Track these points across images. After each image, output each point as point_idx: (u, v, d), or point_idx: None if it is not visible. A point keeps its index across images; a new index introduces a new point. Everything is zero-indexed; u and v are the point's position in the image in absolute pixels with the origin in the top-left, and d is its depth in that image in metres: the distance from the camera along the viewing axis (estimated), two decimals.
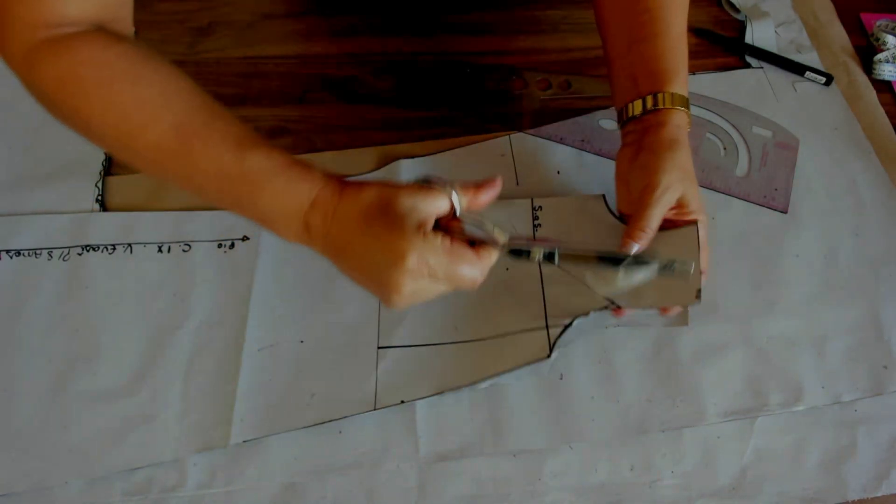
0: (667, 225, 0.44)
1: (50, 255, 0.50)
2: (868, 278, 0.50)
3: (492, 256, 0.37)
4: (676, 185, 0.42)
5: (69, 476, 0.42)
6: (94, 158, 0.56)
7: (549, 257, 0.38)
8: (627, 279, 0.41)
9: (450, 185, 0.36)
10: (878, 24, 0.66)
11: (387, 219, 0.34)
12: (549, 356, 0.45)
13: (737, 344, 0.47)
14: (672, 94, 0.45)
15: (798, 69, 0.62)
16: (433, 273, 0.34)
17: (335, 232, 0.35)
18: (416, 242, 0.33)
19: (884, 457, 0.44)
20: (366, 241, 0.35)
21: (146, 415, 0.44)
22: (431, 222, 0.35)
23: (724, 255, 0.51)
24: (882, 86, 0.62)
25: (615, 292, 0.43)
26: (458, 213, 0.37)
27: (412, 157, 0.55)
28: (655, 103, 0.44)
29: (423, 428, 0.44)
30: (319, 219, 0.36)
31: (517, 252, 0.38)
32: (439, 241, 0.34)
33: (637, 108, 0.45)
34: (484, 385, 0.45)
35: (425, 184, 0.36)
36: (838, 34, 0.66)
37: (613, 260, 0.39)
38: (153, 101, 0.36)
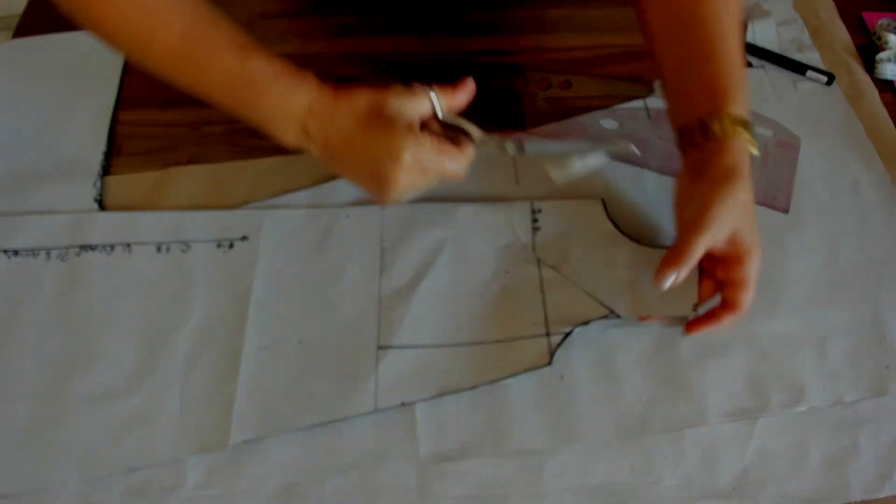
0: (718, 259, 0.44)
1: (48, 255, 0.50)
2: (870, 278, 0.50)
3: (471, 151, 0.41)
4: (728, 219, 0.41)
5: (68, 477, 0.42)
6: (93, 158, 0.56)
7: (520, 149, 0.43)
8: (583, 164, 0.43)
9: (430, 88, 0.41)
10: (879, 23, 0.66)
11: (381, 120, 0.39)
12: (549, 363, 0.45)
13: (738, 344, 0.47)
14: (732, 116, 0.42)
15: (799, 68, 0.62)
16: (425, 168, 0.39)
17: (333, 135, 0.40)
18: (409, 140, 0.38)
19: (886, 457, 0.44)
20: (364, 142, 0.39)
21: (145, 415, 0.44)
22: (418, 122, 0.40)
23: None
24: (884, 85, 0.62)
25: (571, 176, 0.44)
26: (439, 115, 0.41)
27: None
28: (713, 127, 0.42)
29: (423, 428, 0.44)
30: (317, 124, 0.40)
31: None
32: (428, 139, 0.39)
33: (696, 131, 0.43)
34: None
35: (408, 87, 0.40)
36: (840, 33, 0.66)
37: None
38: (164, 8, 0.39)
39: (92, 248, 0.50)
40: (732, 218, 0.41)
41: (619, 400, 0.45)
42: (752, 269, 0.42)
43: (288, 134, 0.41)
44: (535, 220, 0.52)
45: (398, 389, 0.45)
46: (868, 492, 0.43)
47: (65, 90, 0.60)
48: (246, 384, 0.45)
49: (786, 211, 0.53)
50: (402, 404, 0.45)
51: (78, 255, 0.50)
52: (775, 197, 0.54)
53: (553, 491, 0.43)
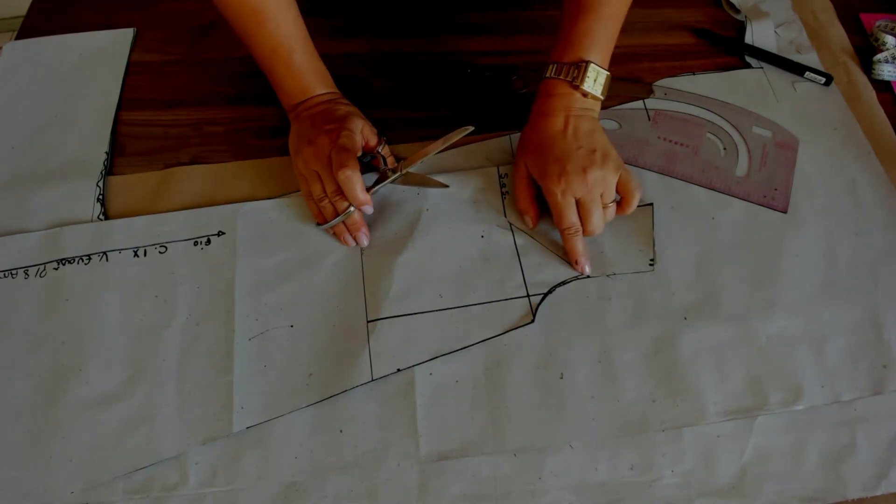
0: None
1: (26, 273, 0.50)
2: (868, 278, 0.50)
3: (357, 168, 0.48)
4: (519, 161, 0.52)
5: (74, 487, 0.42)
6: (96, 158, 0.56)
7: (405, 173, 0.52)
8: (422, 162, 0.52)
9: (382, 141, 0.53)
10: (877, 24, 0.66)
11: (331, 125, 0.50)
12: (532, 321, 0.48)
13: (737, 343, 0.47)
14: (559, 65, 0.50)
15: (798, 69, 0.62)
16: (315, 157, 0.49)
17: (302, 117, 0.53)
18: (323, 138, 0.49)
19: (883, 456, 0.44)
20: (310, 126, 0.51)
21: (145, 415, 0.45)
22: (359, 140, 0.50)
23: (724, 255, 0.51)
24: (881, 86, 0.62)
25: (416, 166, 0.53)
26: (380, 149, 0.53)
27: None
28: (546, 70, 0.50)
29: (423, 427, 0.44)
30: (301, 108, 0.53)
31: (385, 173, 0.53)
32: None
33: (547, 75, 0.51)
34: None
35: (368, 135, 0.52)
36: (838, 34, 0.66)
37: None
38: None
39: (69, 261, 0.50)
40: (526, 155, 0.51)
41: (618, 399, 0.45)
42: (555, 197, 0.48)
43: (283, 102, 0.54)
44: (502, 185, 0.54)
45: (392, 358, 0.46)
46: (866, 489, 0.43)
47: (68, 91, 0.61)
48: (242, 373, 0.46)
49: (784, 211, 0.54)
50: (398, 370, 0.46)
51: (56, 269, 0.50)
52: (774, 197, 0.54)
53: (553, 489, 0.43)
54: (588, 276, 0.50)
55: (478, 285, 0.49)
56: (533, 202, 0.51)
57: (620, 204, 0.50)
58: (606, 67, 0.50)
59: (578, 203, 0.49)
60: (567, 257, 0.50)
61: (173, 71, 0.63)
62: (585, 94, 0.49)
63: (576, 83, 0.49)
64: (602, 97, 0.50)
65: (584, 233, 0.49)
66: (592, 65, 0.49)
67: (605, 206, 0.49)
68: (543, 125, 0.50)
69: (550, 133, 0.49)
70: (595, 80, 0.49)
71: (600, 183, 0.48)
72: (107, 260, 0.51)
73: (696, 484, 0.43)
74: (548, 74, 0.50)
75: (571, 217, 0.49)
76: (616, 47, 0.51)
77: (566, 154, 0.48)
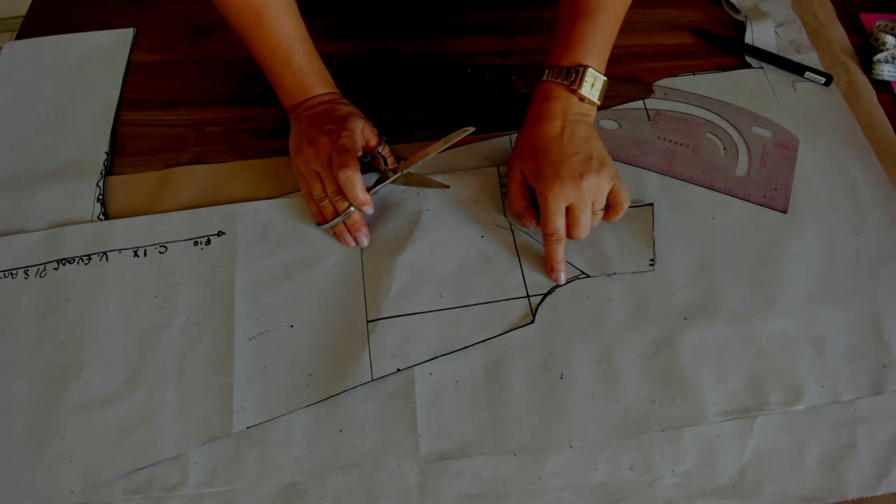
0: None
1: (26, 273, 0.50)
2: (868, 278, 0.50)
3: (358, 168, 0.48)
4: (517, 162, 0.51)
5: (74, 486, 0.42)
6: (96, 158, 0.56)
7: (395, 171, 0.52)
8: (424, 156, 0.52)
9: (383, 141, 0.54)
10: (877, 24, 0.66)
11: (330, 125, 0.50)
12: (532, 321, 0.48)
13: (737, 343, 0.47)
14: (556, 68, 0.49)
15: (798, 69, 0.62)
16: (319, 154, 0.49)
17: (303, 117, 0.53)
18: (324, 139, 0.49)
19: (883, 456, 0.44)
20: (310, 126, 0.52)
21: (144, 415, 0.45)
22: (359, 141, 0.50)
23: (724, 255, 0.51)
24: (881, 86, 0.62)
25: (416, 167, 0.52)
26: (380, 149, 0.53)
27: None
28: (544, 74, 0.50)
29: (423, 426, 0.44)
30: (301, 108, 0.53)
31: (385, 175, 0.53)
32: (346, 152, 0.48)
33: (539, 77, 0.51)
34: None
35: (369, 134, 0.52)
36: (838, 34, 0.66)
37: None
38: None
39: (69, 260, 0.50)
40: (517, 161, 0.51)
41: (618, 399, 0.45)
42: (546, 201, 0.48)
43: (283, 102, 0.54)
44: (502, 185, 0.54)
45: (392, 358, 0.46)
46: (865, 490, 0.43)
47: (68, 91, 0.61)
48: (243, 373, 0.46)
49: (784, 211, 0.54)
50: (398, 370, 0.46)
51: (56, 269, 0.50)
52: (774, 197, 0.54)
53: (553, 489, 0.43)
54: (580, 277, 0.50)
55: (478, 285, 0.49)
56: (528, 206, 0.51)
57: (607, 211, 0.50)
58: (603, 72, 0.50)
59: (568, 209, 0.48)
60: (546, 262, 0.50)
61: (173, 71, 0.63)
62: (582, 99, 0.49)
63: (573, 87, 0.49)
64: (598, 102, 0.50)
65: (570, 237, 0.49)
66: (590, 69, 0.49)
67: (593, 213, 0.49)
68: (540, 129, 0.49)
69: (547, 137, 0.49)
70: (592, 85, 0.49)
71: (594, 190, 0.47)
72: (107, 260, 0.51)
73: (696, 484, 0.43)
74: (545, 78, 0.50)
75: (558, 223, 0.48)
76: (616, 47, 0.51)
77: (562, 159, 0.48)
